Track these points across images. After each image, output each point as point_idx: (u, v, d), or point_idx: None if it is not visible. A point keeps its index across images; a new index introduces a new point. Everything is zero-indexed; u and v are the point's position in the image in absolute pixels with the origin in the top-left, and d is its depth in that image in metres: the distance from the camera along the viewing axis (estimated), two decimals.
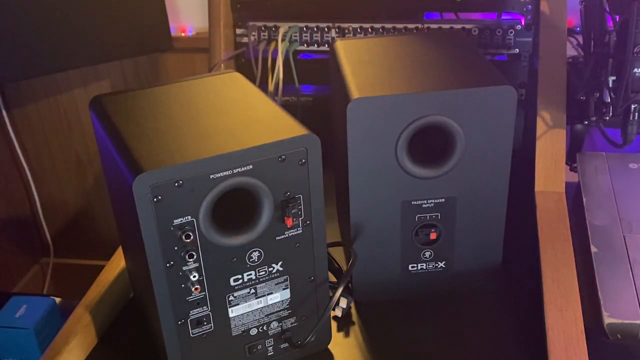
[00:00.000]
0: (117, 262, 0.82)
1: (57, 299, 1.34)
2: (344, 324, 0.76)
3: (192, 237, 0.60)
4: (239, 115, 0.67)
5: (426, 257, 0.78)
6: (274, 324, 0.69)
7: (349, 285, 0.79)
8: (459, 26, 1.03)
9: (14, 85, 1.68)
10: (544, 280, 0.73)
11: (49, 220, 1.86)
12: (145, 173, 0.56)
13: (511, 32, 1.01)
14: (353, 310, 0.78)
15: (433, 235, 0.77)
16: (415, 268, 0.78)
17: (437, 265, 0.79)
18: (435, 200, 0.75)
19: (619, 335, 0.69)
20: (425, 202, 0.75)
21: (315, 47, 1.07)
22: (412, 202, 0.74)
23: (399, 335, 0.74)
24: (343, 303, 0.76)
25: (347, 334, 0.75)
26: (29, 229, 1.89)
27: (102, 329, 0.78)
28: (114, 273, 0.81)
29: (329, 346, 0.73)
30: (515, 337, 0.73)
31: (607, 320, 0.69)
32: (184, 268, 0.61)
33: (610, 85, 0.86)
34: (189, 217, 0.59)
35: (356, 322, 0.76)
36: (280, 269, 0.66)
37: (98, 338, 0.77)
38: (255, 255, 0.64)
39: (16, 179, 1.82)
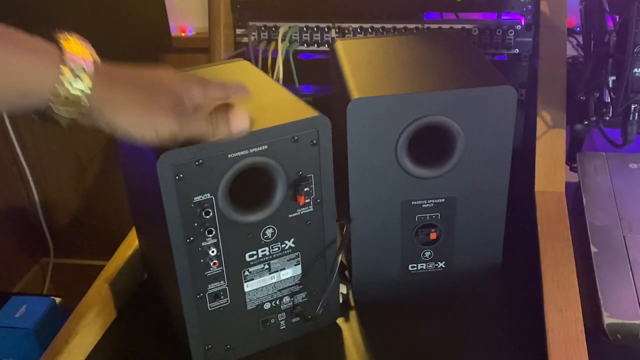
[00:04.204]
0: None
1: (57, 299, 1.34)
2: (344, 323, 0.76)
3: (211, 214, 0.63)
4: (253, 99, 0.70)
5: (426, 257, 0.78)
6: (286, 299, 0.72)
7: (347, 274, 0.80)
8: (459, 26, 1.03)
9: None
10: (544, 280, 0.73)
11: (49, 220, 1.86)
12: (168, 152, 0.59)
13: (511, 32, 1.01)
14: (353, 311, 0.78)
15: (433, 235, 0.77)
16: (415, 268, 0.78)
17: (437, 265, 0.79)
18: (435, 200, 0.75)
19: (619, 335, 0.69)
20: (425, 202, 0.75)
21: (315, 47, 1.07)
22: (412, 202, 0.74)
23: (399, 335, 0.74)
24: (343, 289, 0.77)
25: (346, 334, 0.75)
26: (29, 229, 1.89)
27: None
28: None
29: (328, 346, 0.73)
30: (515, 337, 0.73)
31: (607, 320, 0.69)
32: (203, 244, 0.64)
33: (610, 85, 0.86)
34: (208, 194, 0.62)
35: (356, 323, 0.76)
36: (293, 245, 0.69)
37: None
38: (269, 232, 0.67)
39: (16, 179, 1.82)
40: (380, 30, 1.04)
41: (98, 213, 1.84)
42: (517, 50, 1.02)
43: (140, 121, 0.55)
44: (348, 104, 0.68)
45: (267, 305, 0.71)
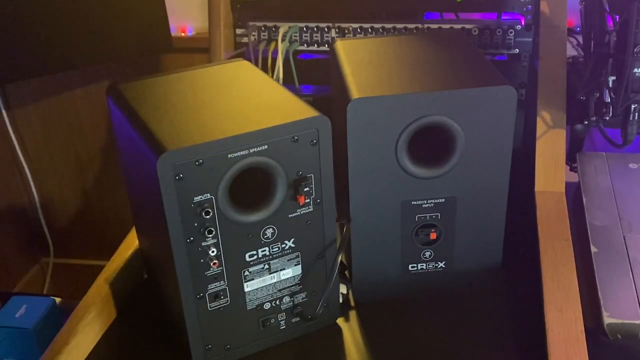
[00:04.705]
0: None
1: (57, 299, 1.34)
2: (344, 323, 0.76)
3: (211, 214, 0.63)
4: (253, 99, 0.71)
5: (426, 257, 0.78)
6: (286, 299, 0.72)
7: (347, 273, 0.80)
8: (459, 26, 1.03)
9: (14, 85, 1.68)
10: (544, 280, 0.73)
11: (49, 221, 1.86)
12: (168, 152, 0.59)
13: (511, 32, 1.01)
14: (353, 311, 0.78)
15: (433, 235, 0.77)
16: (415, 268, 0.78)
17: (437, 265, 0.79)
18: (435, 200, 0.75)
19: (619, 335, 0.69)
20: (425, 202, 0.75)
21: (315, 47, 1.07)
22: (412, 202, 0.74)
23: (399, 335, 0.74)
24: (343, 289, 0.77)
25: (346, 334, 0.75)
26: (29, 229, 1.89)
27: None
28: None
29: (328, 346, 0.73)
30: (515, 337, 0.73)
31: (607, 320, 0.69)
32: (203, 244, 0.64)
33: (610, 85, 0.86)
34: (208, 194, 0.62)
35: (356, 322, 0.77)
36: (292, 245, 0.69)
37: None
38: (269, 232, 0.67)
39: (16, 179, 1.82)
40: (380, 30, 1.04)
41: (98, 213, 1.84)
42: (517, 50, 1.02)
43: None
44: (348, 104, 0.68)
45: (267, 305, 0.71)
